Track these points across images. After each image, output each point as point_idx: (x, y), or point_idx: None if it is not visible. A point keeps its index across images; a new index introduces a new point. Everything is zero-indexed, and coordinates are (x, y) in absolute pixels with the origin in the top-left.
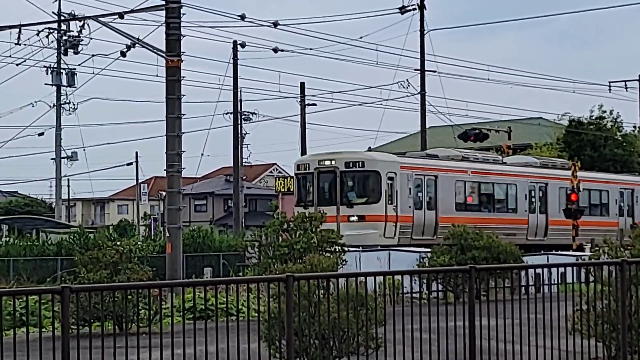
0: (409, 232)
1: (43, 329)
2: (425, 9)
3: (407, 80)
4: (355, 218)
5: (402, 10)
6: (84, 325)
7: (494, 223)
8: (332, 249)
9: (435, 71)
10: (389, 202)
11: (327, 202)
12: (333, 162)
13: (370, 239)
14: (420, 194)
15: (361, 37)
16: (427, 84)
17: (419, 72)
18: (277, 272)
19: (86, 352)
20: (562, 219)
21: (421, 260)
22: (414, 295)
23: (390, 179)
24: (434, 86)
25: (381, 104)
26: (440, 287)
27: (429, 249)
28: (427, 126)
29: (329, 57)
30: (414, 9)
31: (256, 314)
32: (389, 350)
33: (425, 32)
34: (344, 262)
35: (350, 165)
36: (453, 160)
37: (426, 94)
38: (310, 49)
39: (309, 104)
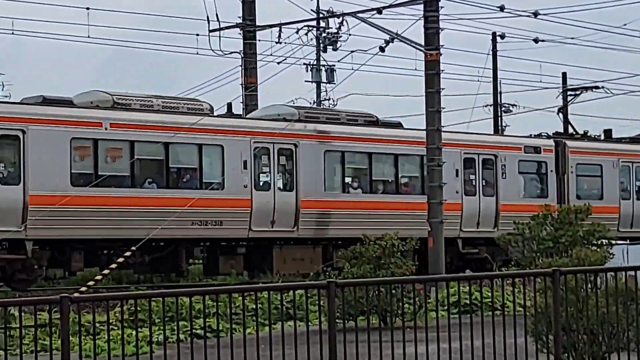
0: None
1: (310, 323)
2: None
3: None
4: None
5: None
6: (349, 319)
7: (164, 205)
8: (599, 243)
9: None
10: None
11: None
12: None
13: None
14: None
15: (625, 25)
16: None
17: None
18: (542, 267)
19: (352, 345)
20: (322, 199)
21: None
22: None
23: None
24: None
25: None
26: None
27: None
28: None
29: (592, 45)
30: None
31: (521, 309)
32: None
33: None
34: (612, 256)
35: None
36: (93, 108)
37: None
38: (572, 38)
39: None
